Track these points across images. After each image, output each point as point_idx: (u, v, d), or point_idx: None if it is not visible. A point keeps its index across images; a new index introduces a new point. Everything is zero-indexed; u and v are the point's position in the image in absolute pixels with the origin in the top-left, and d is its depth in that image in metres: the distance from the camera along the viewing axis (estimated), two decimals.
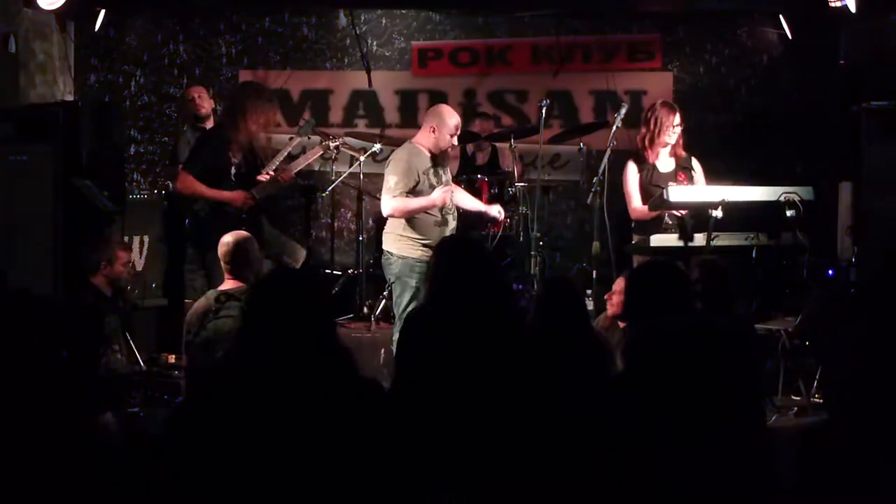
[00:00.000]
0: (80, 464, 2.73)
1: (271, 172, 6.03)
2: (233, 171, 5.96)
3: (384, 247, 5.78)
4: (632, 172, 6.08)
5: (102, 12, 7.66)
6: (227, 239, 4.89)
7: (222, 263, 4.90)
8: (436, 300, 3.64)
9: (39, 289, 5.61)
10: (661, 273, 3.51)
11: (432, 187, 5.64)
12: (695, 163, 6.14)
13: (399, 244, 5.67)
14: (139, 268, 6.87)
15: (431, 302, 3.68)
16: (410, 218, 5.63)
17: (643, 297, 3.40)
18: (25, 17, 6.98)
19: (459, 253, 3.73)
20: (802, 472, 2.81)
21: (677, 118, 6.01)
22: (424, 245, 5.58)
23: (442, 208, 5.65)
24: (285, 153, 6.26)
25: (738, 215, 5.78)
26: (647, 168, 6.04)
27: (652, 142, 6.01)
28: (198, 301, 4.96)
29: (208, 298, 4.68)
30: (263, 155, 6.09)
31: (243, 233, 5.06)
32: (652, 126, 6.01)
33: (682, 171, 6.05)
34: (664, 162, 6.08)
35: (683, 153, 6.10)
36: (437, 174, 5.74)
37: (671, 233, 5.63)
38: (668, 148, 6.06)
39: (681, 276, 3.61)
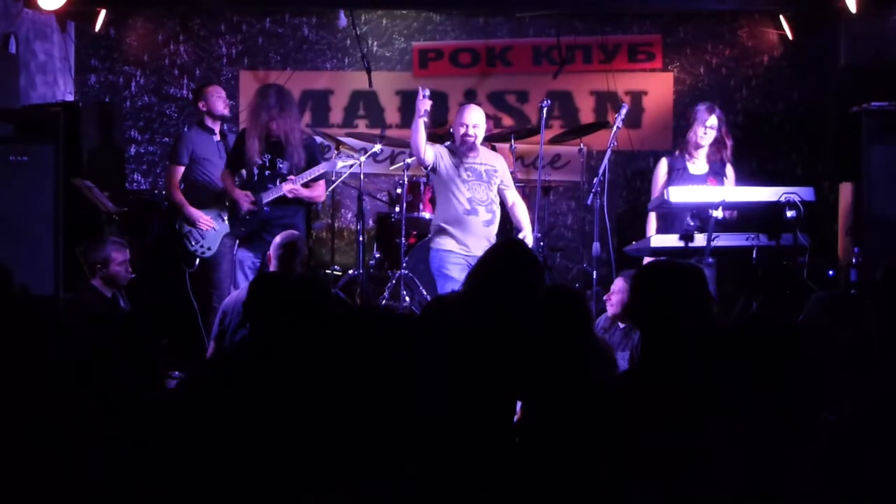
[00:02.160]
0: (77, 465, 2.73)
1: (293, 185, 6.01)
2: (255, 171, 6.01)
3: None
4: (660, 170, 6.12)
5: (103, 13, 7.67)
6: (278, 240, 5.24)
7: (273, 259, 5.17)
8: (471, 294, 3.68)
9: (40, 289, 5.63)
10: (666, 275, 3.47)
11: (460, 179, 5.90)
12: (729, 169, 6.12)
13: (437, 236, 5.92)
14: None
15: (466, 293, 3.72)
16: (443, 208, 5.94)
17: (647, 299, 3.36)
18: (26, 18, 6.98)
19: (516, 259, 3.82)
20: (802, 474, 2.81)
21: (712, 120, 6.01)
22: (453, 237, 5.85)
23: (471, 200, 5.88)
24: (318, 172, 6.18)
25: (739, 216, 5.80)
26: (678, 168, 6.05)
27: (697, 145, 6.03)
28: (238, 291, 5.05)
29: None
30: (295, 160, 6.04)
31: (294, 231, 5.28)
32: (695, 130, 6.03)
33: (714, 177, 6.04)
34: (699, 164, 6.08)
35: (725, 157, 6.09)
36: (465, 169, 5.93)
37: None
38: (705, 150, 6.06)
39: (687, 277, 3.56)
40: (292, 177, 6.00)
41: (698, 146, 6.05)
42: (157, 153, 7.97)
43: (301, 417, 2.67)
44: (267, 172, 6.02)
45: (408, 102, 7.95)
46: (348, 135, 7.34)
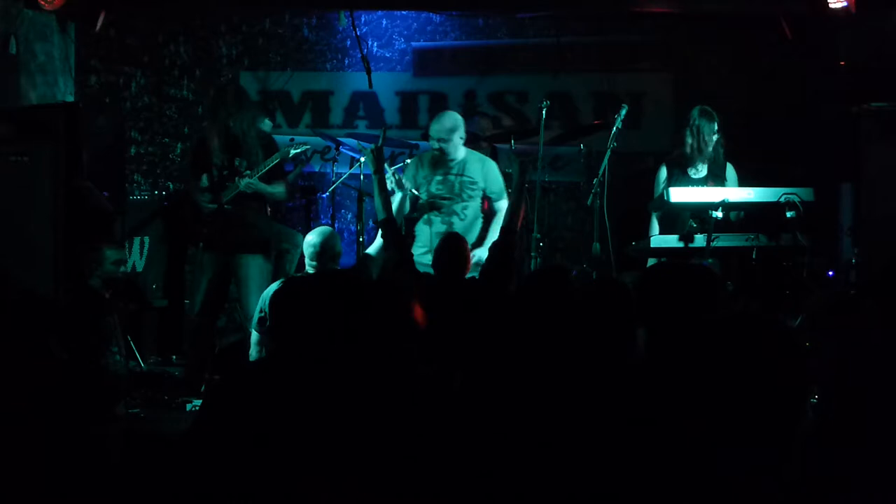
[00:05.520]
0: (77, 465, 2.73)
1: (244, 183, 5.95)
2: (214, 172, 5.97)
3: None
4: (660, 178, 6.09)
5: (103, 13, 7.67)
6: (313, 238, 5.33)
7: (308, 259, 5.26)
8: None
9: (39, 290, 5.62)
10: (677, 275, 3.45)
11: (425, 190, 6.02)
12: (730, 171, 6.09)
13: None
14: (139, 268, 6.89)
15: None
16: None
17: (657, 299, 3.34)
18: (26, 18, 6.98)
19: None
20: (802, 472, 2.81)
21: (714, 126, 5.99)
22: (413, 241, 5.94)
23: (430, 210, 5.99)
24: (268, 166, 6.17)
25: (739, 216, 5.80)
26: (678, 173, 6.02)
27: (700, 151, 5.98)
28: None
29: None
30: (253, 157, 6.02)
31: (328, 228, 5.30)
32: (696, 136, 5.97)
33: (713, 180, 6.01)
34: (698, 168, 6.05)
35: (715, 156, 6.07)
36: (434, 181, 6.01)
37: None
38: (705, 155, 6.03)
39: (698, 278, 3.52)
40: (248, 171, 5.95)
41: (701, 152, 6.01)
42: (158, 154, 7.97)
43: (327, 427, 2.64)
44: (225, 172, 6.00)
45: (408, 103, 7.96)
46: (348, 135, 7.34)
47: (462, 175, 6.01)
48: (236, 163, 5.96)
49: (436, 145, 5.96)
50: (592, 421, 2.87)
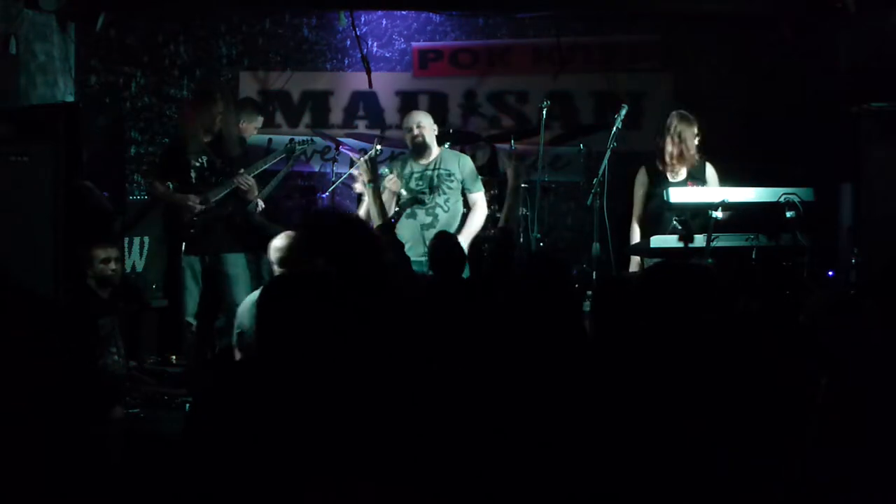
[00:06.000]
0: (77, 465, 2.73)
1: (242, 180, 5.94)
2: (192, 173, 5.96)
3: None
4: (640, 181, 6.11)
5: (103, 13, 7.67)
6: (279, 243, 4.93)
7: (275, 267, 4.98)
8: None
9: (39, 290, 5.62)
10: (677, 275, 3.46)
11: (406, 188, 6.22)
12: (709, 171, 6.10)
13: None
14: (139, 269, 6.89)
15: None
16: None
17: (657, 299, 3.34)
18: (26, 18, 6.98)
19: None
20: (802, 472, 2.81)
21: (694, 129, 6.01)
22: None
23: (414, 203, 6.18)
24: (268, 164, 6.18)
25: (739, 216, 5.79)
26: (657, 177, 6.04)
27: (682, 157, 5.99)
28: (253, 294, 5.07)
29: None
30: (234, 156, 6.00)
31: (293, 233, 5.25)
32: (677, 143, 5.98)
33: (692, 181, 6.03)
34: (677, 172, 6.06)
35: (696, 160, 6.07)
36: (413, 177, 6.24)
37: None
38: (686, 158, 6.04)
39: (698, 278, 3.52)
40: (242, 170, 5.94)
41: (683, 158, 6.02)
42: (157, 154, 7.96)
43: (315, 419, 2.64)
44: (206, 173, 5.99)
45: (408, 103, 7.96)
46: (348, 135, 7.35)
47: (438, 168, 6.22)
48: (218, 163, 5.96)
49: (416, 131, 6.19)
50: (592, 420, 2.87)
